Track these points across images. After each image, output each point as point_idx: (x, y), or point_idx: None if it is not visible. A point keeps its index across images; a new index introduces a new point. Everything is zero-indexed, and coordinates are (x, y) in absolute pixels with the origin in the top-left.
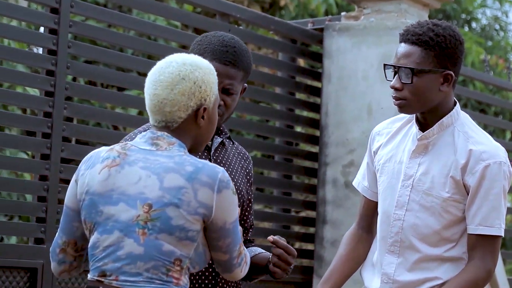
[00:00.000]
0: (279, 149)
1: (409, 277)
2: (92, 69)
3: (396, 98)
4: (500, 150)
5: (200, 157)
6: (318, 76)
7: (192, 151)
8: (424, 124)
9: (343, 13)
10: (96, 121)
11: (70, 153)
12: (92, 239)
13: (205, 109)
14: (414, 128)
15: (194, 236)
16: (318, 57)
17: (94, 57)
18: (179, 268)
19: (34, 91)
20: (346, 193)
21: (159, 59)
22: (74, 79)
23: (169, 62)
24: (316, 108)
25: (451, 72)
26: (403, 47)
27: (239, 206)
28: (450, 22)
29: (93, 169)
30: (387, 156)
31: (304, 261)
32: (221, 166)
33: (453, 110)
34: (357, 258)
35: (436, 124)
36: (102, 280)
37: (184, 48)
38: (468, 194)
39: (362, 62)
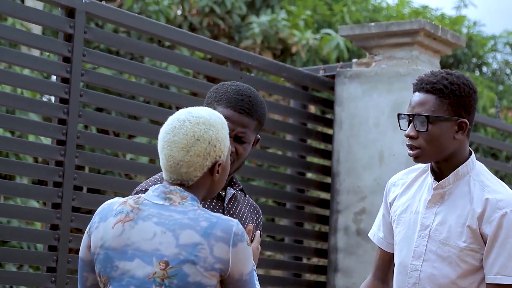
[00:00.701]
0: (291, 196)
1: None
2: (104, 117)
3: (411, 147)
4: None
5: (214, 208)
6: (329, 123)
7: (204, 199)
8: (439, 174)
9: (354, 60)
10: (107, 169)
11: (81, 202)
12: None
13: (219, 164)
14: (430, 178)
15: None
16: (329, 104)
17: (106, 105)
18: None
19: (46, 140)
20: (358, 240)
21: (170, 107)
22: (85, 127)
23: (182, 122)
24: (328, 155)
25: (466, 120)
26: (418, 96)
27: None
28: (461, 66)
29: (106, 222)
30: (403, 207)
31: None
32: (235, 218)
33: (469, 159)
34: None
35: (452, 173)
36: None
37: (195, 95)
38: (485, 244)
39: (373, 109)
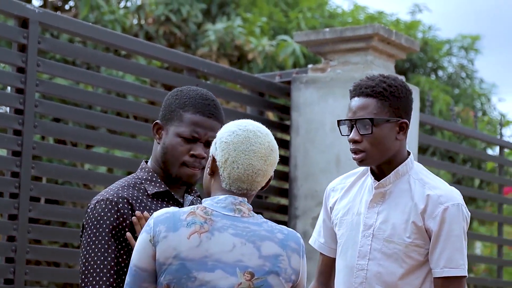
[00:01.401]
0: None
1: None
2: (60, 127)
3: (355, 151)
4: (456, 193)
5: None
6: (286, 129)
7: None
8: (379, 175)
9: (310, 66)
10: (65, 179)
11: (38, 213)
12: None
13: (271, 176)
14: (369, 179)
15: None
16: (286, 110)
17: (62, 116)
18: None
19: (1, 151)
20: None
21: (128, 116)
22: (42, 138)
23: (254, 133)
24: (285, 160)
25: (406, 121)
26: (358, 101)
27: None
28: (417, 70)
29: (178, 232)
30: (344, 209)
31: None
32: None
33: (408, 159)
34: None
35: (392, 172)
36: None
37: (153, 104)
38: (430, 239)
39: (329, 114)
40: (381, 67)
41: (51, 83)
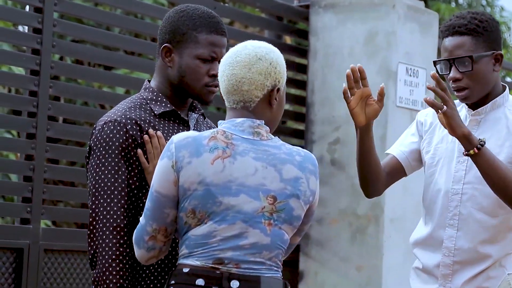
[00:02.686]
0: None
1: (469, 251)
2: (79, 48)
3: (458, 89)
4: None
5: (177, 131)
6: (304, 54)
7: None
8: (474, 106)
9: None
10: (83, 100)
11: (56, 132)
12: (205, 228)
13: (278, 90)
14: (464, 110)
15: (299, 224)
16: (304, 34)
17: (80, 36)
18: (284, 254)
19: (19, 70)
20: (332, 170)
21: (145, 38)
22: (61, 58)
23: (244, 46)
24: (303, 85)
25: (501, 52)
26: (453, 40)
27: None
28: None
29: (202, 158)
30: (438, 138)
31: None
32: None
33: (505, 91)
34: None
35: (490, 102)
36: (218, 267)
37: None
38: None
39: (348, 39)
40: None
41: (69, 3)
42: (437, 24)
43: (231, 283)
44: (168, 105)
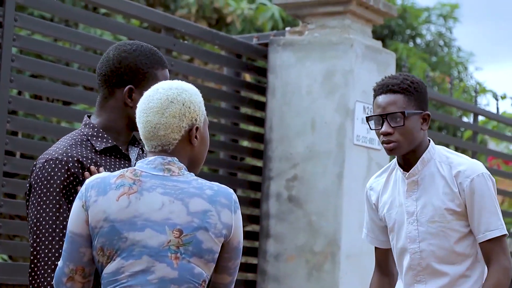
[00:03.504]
0: (224, 163)
1: None
2: (37, 83)
3: (387, 142)
4: (477, 164)
5: (120, 167)
6: (263, 91)
7: (193, 172)
8: (406, 166)
9: (287, 28)
10: (41, 135)
11: (13, 167)
12: (114, 265)
13: (197, 128)
14: (399, 172)
15: (215, 258)
16: (263, 72)
17: (39, 71)
18: None
19: None
20: (290, 207)
21: None
22: (19, 93)
23: (156, 90)
24: (261, 122)
25: (428, 112)
26: (386, 97)
27: None
28: (395, 37)
29: (107, 196)
30: (387, 204)
31: (248, 275)
32: None
33: (429, 146)
34: None
35: (419, 161)
36: None
37: None
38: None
39: (306, 77)
40: (358, 31)
41: (28, 38)
42: (394, 63)
43: None
44: (110, 141)
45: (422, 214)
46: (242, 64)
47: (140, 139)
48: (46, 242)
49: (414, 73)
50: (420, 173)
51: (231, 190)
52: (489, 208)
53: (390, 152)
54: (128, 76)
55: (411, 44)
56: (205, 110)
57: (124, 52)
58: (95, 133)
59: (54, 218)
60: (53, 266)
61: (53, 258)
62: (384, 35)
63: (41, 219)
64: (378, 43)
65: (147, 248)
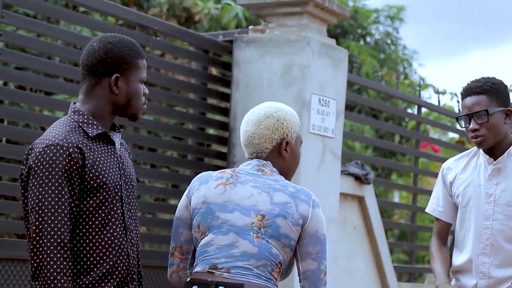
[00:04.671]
0: (192, 149)
1: (501, 273)
2: (22, 74)
3: (475, 137)
4: None
5: (110, 153)
6: (227, 84)
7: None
8: (490, 155)
9: (250, 27)
10: (25, 122)
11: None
12: (206, 239)
13: (287, 142)
14: (482, 158)
15: (292, 245)
16: (228, 66)
17: (24, 64)
18: (279, 270)
19: None
20: None
21: None
22: (5, 84)
23: (258, 107)
24: (226, 112)
25: (510, 108)
26: (471, 99)
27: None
28: (347, 36)
29: (207, 184)
30: (464, 183)
31: None
32: (121, 160)
33: None
34: (447, 260)
35: (505, 152)
36: (213, 272)
37: None
38: None
39: (266, 71)
40: (314, 30)
41: (14, 34)
42: (347, 60)
43: None
44: (100, 128)
45: (500, 197)
46: (209, 59)
47: (120, 125)
48: (49, 221)
49: (364, 68)
50: (504, 162)
51: (312, 193)
52: None
53: (479, 145)
54: (114, 65)
55: (361, 42)
56: (176, 100)
57: (109, 44)
58: (85, 120)
59: (56, 199)
60: (55, 244)
61: (55, 236)
62: (338, 33)
63: (43, 199)
64: (332, 41)
65: (234, 227)
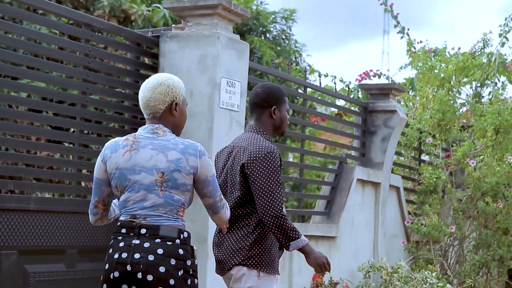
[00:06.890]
0: (128, 121)
1: None
2: None
3: None
4: None
5: None
6: (156, 70)
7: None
8: None
9: (173, 25)
10: None
11: None
12: (124, 196)
13: (176, 104)
14: None
15: (190, 188)
16: (156, 56)
17: None
18: (183, 209)
19: None
20: None
21: (42, 57)
22: None
23: (152, 77)
24: None
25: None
26: None
27: None
28: (252, 33)
29: (117, 153)
30: None
31: None
32: None
33: None
34: None
35: None
36: (134, 220)
37: (61, 49)
38: None
39: (186, 60)
40: (223, 28)
41: None
42: (248, 51)
43: (141, 230)
44: (271, 139)
45: None
46: (141, 51)
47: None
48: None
49: (264, 58)
50: None
51: (198, 144)
52: None
53: None
54: (274, 100)
55: (263, 37)
56: (116, 83)
57: (269, 88)
58: (266, 136)
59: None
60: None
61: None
62: (244, 31)
63: (269, 183)
64: (237, 36)
65: (143, 185)
